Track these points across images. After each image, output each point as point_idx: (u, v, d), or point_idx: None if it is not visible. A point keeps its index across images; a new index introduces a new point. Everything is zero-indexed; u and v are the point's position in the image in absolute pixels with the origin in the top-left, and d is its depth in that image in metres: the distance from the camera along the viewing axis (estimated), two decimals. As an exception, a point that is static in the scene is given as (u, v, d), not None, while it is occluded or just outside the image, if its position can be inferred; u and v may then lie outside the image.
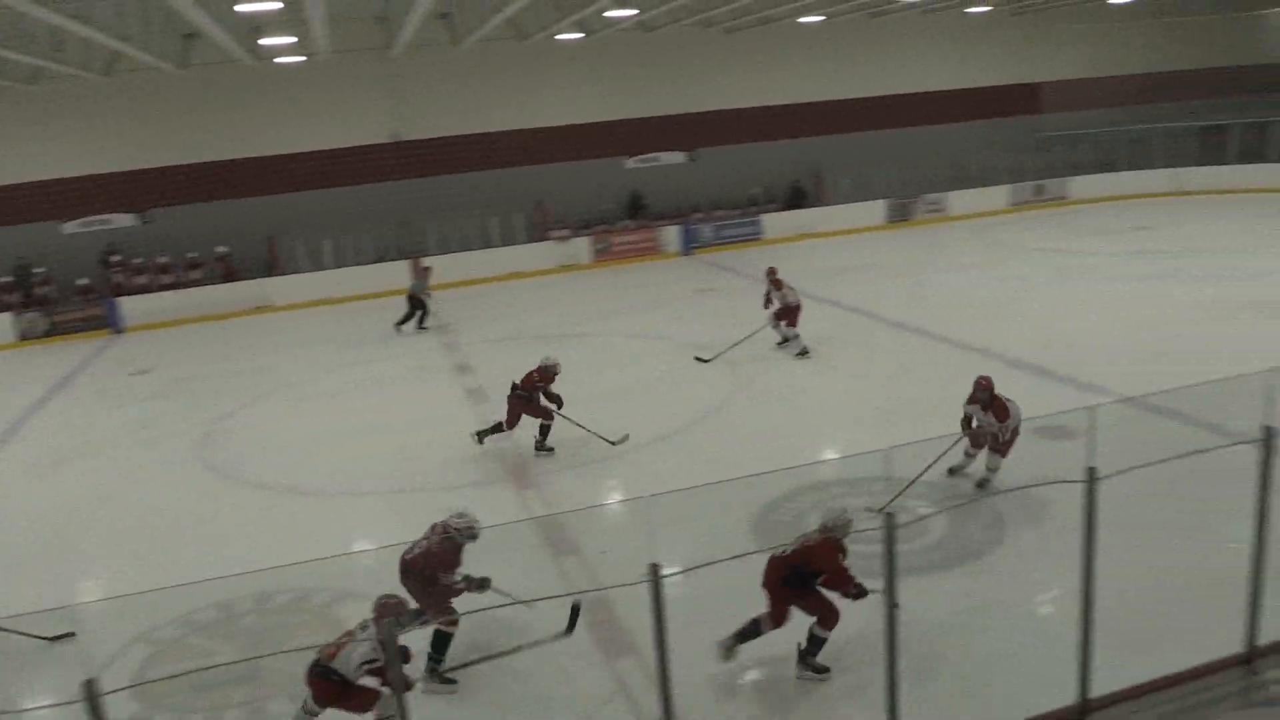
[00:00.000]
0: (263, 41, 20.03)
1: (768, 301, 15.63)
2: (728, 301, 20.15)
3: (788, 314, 15.45)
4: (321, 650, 6.00)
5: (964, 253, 23.83)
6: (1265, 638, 6.00)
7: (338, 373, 16.91)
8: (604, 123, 27.03)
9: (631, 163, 27.57)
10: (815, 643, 6.72)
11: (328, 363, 17.66)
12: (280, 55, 22.16)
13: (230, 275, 23.62)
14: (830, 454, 11.50)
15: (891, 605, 5.36)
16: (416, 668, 6.59)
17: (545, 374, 11.58)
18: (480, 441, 11.89)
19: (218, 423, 14.45)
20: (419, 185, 25.53)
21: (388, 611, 5.94)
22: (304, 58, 22.47)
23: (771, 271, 15.82)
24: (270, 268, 24.20)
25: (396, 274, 23.95)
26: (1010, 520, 8.74)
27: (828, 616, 6.71)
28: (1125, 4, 29.43)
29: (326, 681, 5.97)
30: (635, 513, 9.42)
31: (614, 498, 10.59)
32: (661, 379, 14.84)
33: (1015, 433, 9.43)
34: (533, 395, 11.50)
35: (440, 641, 6.95)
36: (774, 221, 27.50)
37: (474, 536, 7.13)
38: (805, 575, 6.68)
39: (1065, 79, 31.28)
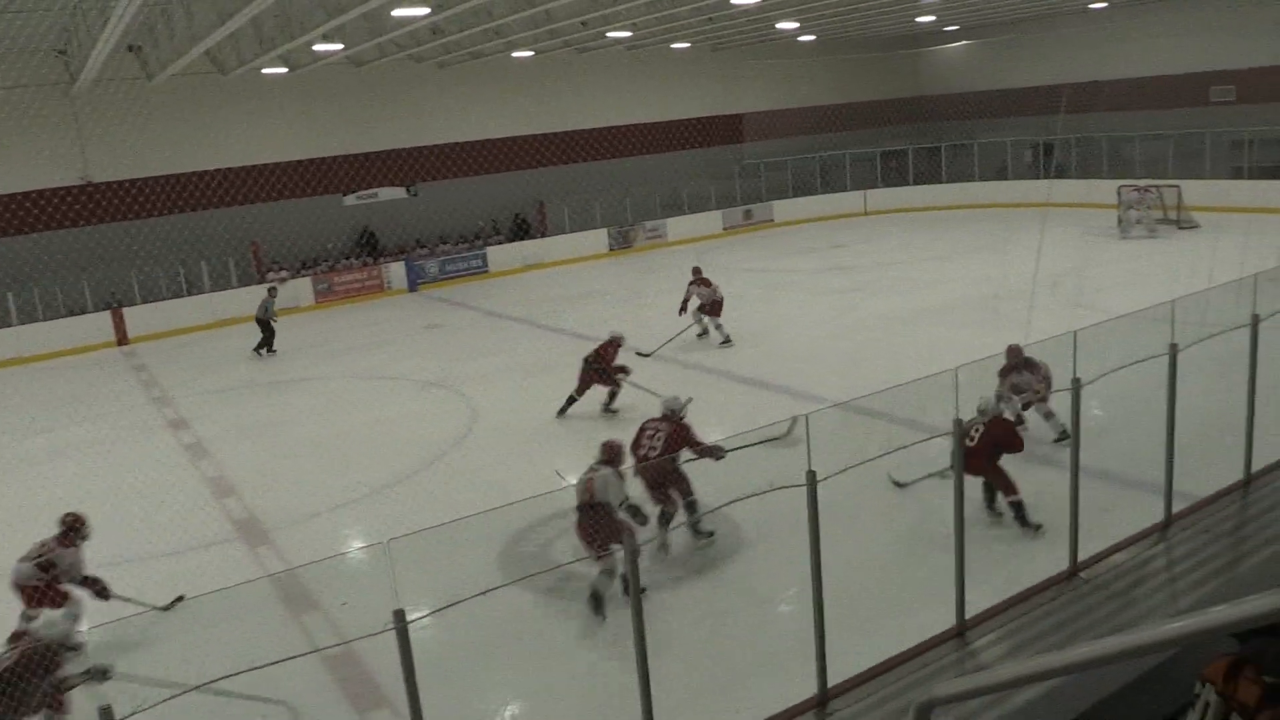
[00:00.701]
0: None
1: (685, 306, 17.13)
2: (457, 336, 19.99)
3: (715, 308, 16.96)
4: (581, 495, 7.91)
5: (683, 276, 24.83)
6: (973, 610, 6.62)
7: (33, 439, 15.27)
8: (318, 159, 26.17)
9: (350, 199, 26.84)
10: (1018, 508, 8.31)
11: (21, 429, 15.89)
12: (-61, 92, 19.91)
13: (-111, 339, 20.88)
14: (570, 479, 11.60)
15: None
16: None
17: (614, 346, 13.41)
18: (561, 415, 13.33)
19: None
20: (116, 230, 23.59)
21: (612, 453, 8.30)
22: (-32, 94, 20.31)
23: (696, 271, 17.42)
24: (-60, 328, 21.60)
25: (96, 327, 22.06)
26: (745, 528, 9.17)
27: (1010, 486, 8.38)
28: (810, 42, 31.90)
29: (594, 511, 7.75)
30: (376, 559, 9.11)
31: (353, 545, 10.20)
32: (395, 419, 14.47)
33: (1049, 381, 10.38)
34: (605, 367, 13.14)
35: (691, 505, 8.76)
36: (499, 254, 27.59)
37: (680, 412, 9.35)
38: (999, 451, 8.44)
39: (763, 110, 33.48)
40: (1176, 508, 7.78)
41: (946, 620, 6.58)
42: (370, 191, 27.06)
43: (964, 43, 35.21)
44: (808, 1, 21.27)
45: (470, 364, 17.18)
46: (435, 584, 7.28)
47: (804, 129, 33.92)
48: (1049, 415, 10.58)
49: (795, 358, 15.59)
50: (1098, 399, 11.56)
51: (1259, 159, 27.56)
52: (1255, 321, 8.10)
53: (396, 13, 16.47)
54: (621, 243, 29.32)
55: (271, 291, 20.16)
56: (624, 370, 13.35)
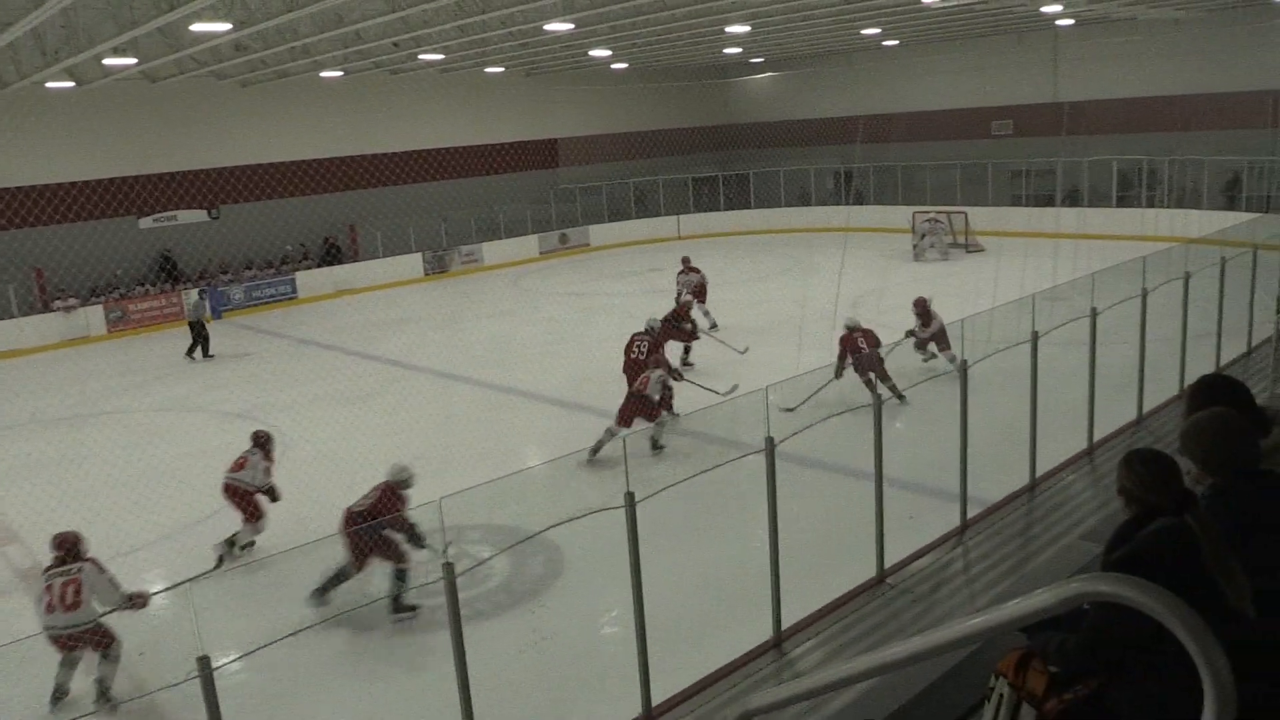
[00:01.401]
0: None
1: (678, 297, 18.12)
2: (265, 366, 19.18)
3: (700, 292, 18.73)
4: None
5: (500, 300, 24.75)
6: (788, 621, 6.82)
7: None
8: (111, 179, 24.62)
9: (146, 222, 25.38)
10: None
11: None
12: None
13: None
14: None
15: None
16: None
17: (684, 307, 15.97)
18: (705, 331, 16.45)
19: None
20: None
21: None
22: None
23: (685, 260, 19.74)
24: None
25: None
26: (567, 551, 9.16)
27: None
28: (622, 69, 32.48)
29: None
30: (178, 603, 8.61)
31: (152, 590, 9.58)
32: (198, 453, 13.71)
33: (944, 329, 13.97)
34: (681, 324, 15.15)
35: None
36: (309, 279, 26.70)
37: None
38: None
39: (579, 135, 33.80)
40: (971, 513, 8.27)
41: (764, 633, 6.76)
42: (168, 214, 25.68)
43: (769, 74, 36.67)
44: (619, 30, 21.65)
45: (280, 394, 16.52)
46: (243, 626, 6.96)
47: (618, 154, 34.46)
48: (949, 353, 13.51)
49: (612, 380, 15.70)
50: (900, 414, 12.19)
51: (1034, 188, 29.89)
52: (1035, 338, 8.75)
53: (196, 27, 15.75)
54: (437, 267, 28.92)
55: (201, 294, 21.89)
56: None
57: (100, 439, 14.94)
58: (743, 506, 9.22)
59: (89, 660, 7.36)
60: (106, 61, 18.59)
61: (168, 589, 9.19)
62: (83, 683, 7.34)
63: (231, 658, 5.43)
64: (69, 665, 7.34)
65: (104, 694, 7.18)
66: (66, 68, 18.75)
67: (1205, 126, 25.70)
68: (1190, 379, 10.93)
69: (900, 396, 12.15)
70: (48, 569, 7.40)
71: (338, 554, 8.37)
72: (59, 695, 7.31)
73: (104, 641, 7.30)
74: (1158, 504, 2.82)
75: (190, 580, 8.83)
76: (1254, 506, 2.94)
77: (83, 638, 7.22)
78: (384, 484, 8.75)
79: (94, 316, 23.29)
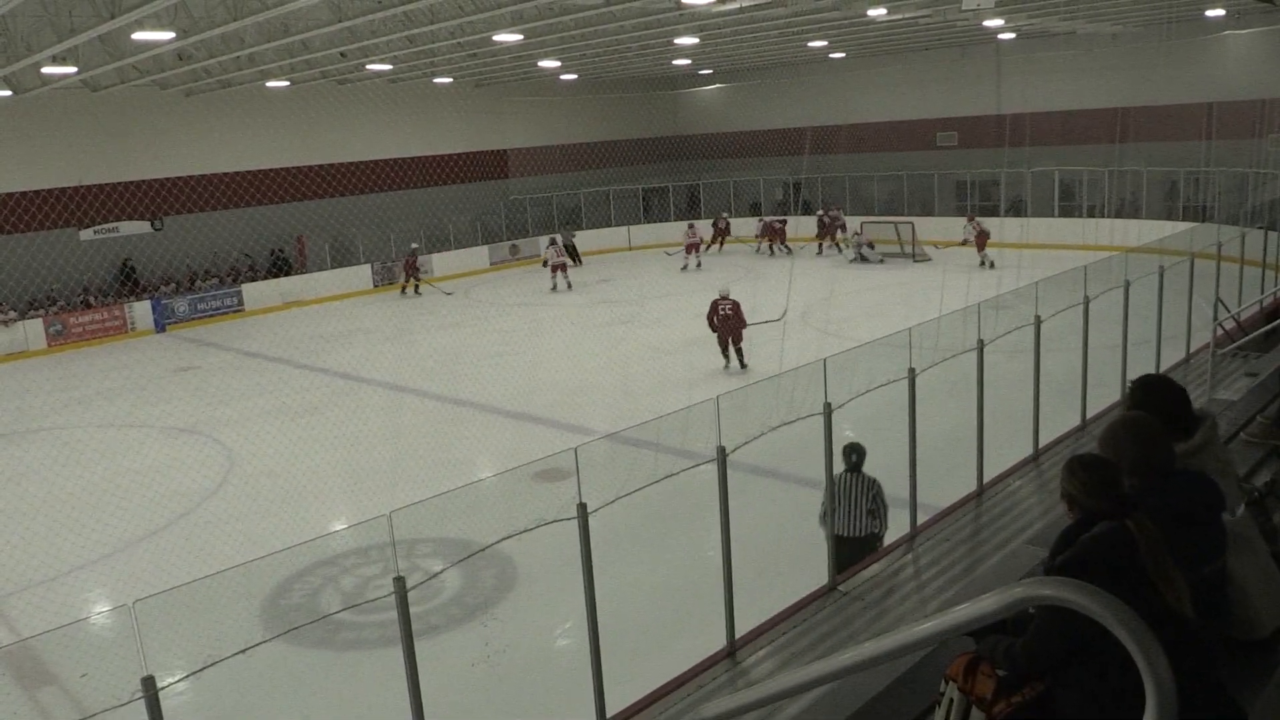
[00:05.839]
0: None
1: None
2: (211, 379, 18.89)
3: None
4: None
5: (450, 312, 24.60)
6: (741, 629, 6.85)
7: None
8: (49, 190, 24.09)
9: (87, 234, 24.86)
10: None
11: None
12: None
13: None
14: (336, 525, 11.19)
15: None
16: None
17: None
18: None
19: None
20: None
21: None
22: None
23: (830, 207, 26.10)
24: None
25: None
26: (519, 564, 9.13)
27: None
28: (571, 80, 32.49)
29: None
30: (121, 624, 8.43)
31: (94, 610, 9.40)
32: (142, 469, 13.48)
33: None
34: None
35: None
36: (256, 291, 26.34)
37: None
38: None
39: (528, 146, 33.74)
40: (921, 519, 8.36)
41: (718, 641, 6.78)
42: (110, 225, 25.17)
43: (718, 86, 36.90)
44: (568, 41, 21.66)
45: (226, 408, 16.28)
46: (190, 646, 6.82)
47: (569, 165, 34.45)
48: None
49: (564, 391, 15.72)
50: (848, 421, 12.30)
51: (979, 198, 30.39)
52: (981, 346, 8.88)
53: (137, 36, 15.47)
54: (386, 279, 28.69)
55: (553, 241, 27.82)
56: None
57: (39, 456, 14.60)
58: (695, 516, 9.25)
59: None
60: (46, 70, 18.19)
61: (110, 610, 9.01)
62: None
63: (177, 677, 5.33)
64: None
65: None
66: (4, 76, 18.35)
67: (1143, 138, 26.30)
68: (1131, 385, 11.16)
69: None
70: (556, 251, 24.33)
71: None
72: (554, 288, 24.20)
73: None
74: (1099, 508, 2.88)
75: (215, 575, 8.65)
76: (1169, 505, 3.02)
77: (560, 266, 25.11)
78: (724, 298, 16.22)
79: (33, 330, 22.76)
